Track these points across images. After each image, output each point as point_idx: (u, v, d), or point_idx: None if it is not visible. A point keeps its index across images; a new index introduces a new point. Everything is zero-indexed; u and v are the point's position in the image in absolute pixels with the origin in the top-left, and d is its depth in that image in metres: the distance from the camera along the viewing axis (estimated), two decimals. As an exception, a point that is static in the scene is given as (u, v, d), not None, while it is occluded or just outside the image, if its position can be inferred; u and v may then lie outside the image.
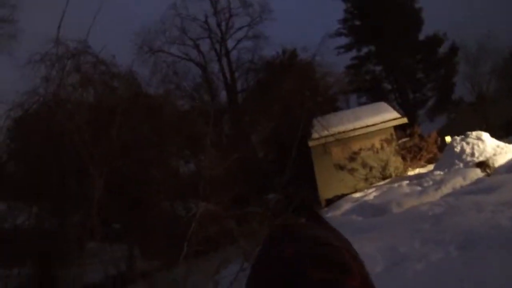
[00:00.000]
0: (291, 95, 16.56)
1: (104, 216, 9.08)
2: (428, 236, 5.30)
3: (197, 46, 23.47)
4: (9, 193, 12.34)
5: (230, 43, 24.41)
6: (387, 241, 5.41)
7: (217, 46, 23.94)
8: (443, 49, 27.68)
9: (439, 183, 10.43)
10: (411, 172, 14.60)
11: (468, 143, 12.20)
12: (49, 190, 10.38)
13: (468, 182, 10.17)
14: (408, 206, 9.06)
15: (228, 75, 23.91)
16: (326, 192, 15.67)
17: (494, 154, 11.42)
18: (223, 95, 24.17)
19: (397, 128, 16.25)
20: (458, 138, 12.69)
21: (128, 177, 10.23)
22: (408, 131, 16.08)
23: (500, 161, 11.01)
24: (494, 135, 12.88)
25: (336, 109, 20.65)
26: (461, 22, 27.08)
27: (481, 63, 24.75)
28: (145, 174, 9.94)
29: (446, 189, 9.97)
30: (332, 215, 11.40)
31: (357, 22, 28.68)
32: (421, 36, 27.71)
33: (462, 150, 12.12)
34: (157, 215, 9.18)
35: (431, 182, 10.92)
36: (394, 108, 17.52)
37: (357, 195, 13.46)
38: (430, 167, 13.73)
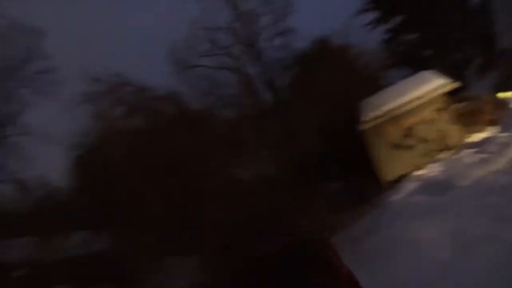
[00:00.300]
0: (332, 83, 16.23)
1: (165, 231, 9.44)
2: (499, 212, 4.82)
3: (229, 54, 23.62)
4: (81, 223, 13.27)
5: (260, 45, 24.32)
6: (453, 223, 5.01)
7: (249, 50, 23.94)
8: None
9: (504, 147, 9.69)
10: (472, 139, 13.75)
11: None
12: (114, 215, 11.08)
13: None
14: (474, 178, 8.46)
15: (264, 76, 23.83)
16: (387, 174, 15.11)
17: None
18: (265, 97, 24.10)
19: (448, 94, 15.37)
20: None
21: (183, 192, 10.56)
22: (460, 95, 15.18)
23: None
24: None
25: (379, 87, 19.92)
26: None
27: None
28: (197, 187, 10.23)
29: (513, 152, 9.25)
30: (394, 198, 10.96)
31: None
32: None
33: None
34: (217, 225, 9.33)
35: (495, 147, 10.17)
36: (440, 75, 16.58)
37: (419, 172, 12.92)
38: (493, 130, 12.85)
